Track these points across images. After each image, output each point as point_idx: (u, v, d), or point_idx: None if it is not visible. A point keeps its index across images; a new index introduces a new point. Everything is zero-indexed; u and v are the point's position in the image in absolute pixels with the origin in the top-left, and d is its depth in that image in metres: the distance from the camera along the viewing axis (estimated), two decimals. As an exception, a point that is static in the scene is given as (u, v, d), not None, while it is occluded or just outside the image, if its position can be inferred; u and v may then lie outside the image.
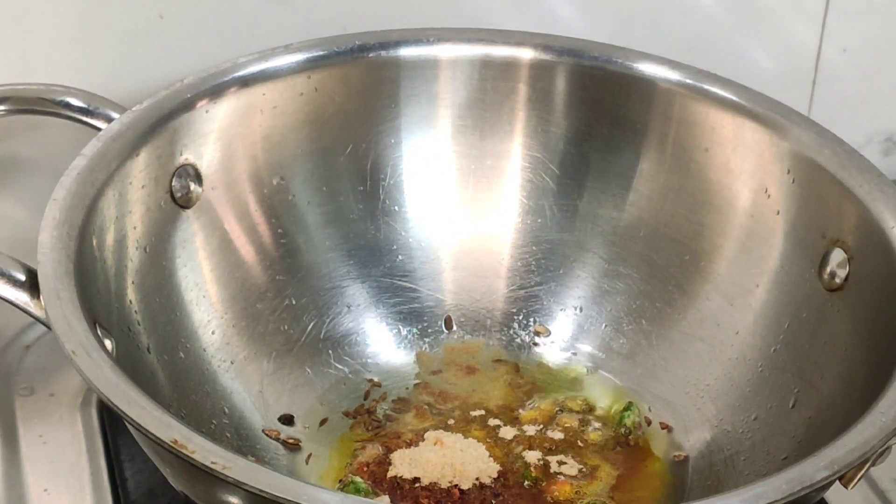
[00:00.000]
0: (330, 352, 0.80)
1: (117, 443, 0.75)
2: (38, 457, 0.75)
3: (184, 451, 0.56)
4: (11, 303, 0.64)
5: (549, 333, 0.82)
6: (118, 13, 0.81)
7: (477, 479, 0.72)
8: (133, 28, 0.82)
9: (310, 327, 0.80)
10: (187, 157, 0.75)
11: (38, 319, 0.64)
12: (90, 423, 0.76)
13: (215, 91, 0.76)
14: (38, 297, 0.63)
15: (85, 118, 0.76)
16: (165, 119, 0.73)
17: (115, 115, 0.75)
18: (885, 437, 0.60)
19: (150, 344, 0.70)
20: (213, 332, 0.76)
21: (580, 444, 0.76)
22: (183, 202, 0.75)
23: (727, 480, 0.73)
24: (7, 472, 0.74)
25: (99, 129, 0.73)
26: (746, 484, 0.59)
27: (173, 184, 0.74)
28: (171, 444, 0.56)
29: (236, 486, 0.55)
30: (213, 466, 0.55)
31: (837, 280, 0.73)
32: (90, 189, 0.68)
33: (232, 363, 0.76)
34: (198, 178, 0.76)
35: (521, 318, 0.82)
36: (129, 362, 0.62)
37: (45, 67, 0.81)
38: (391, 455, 0.73)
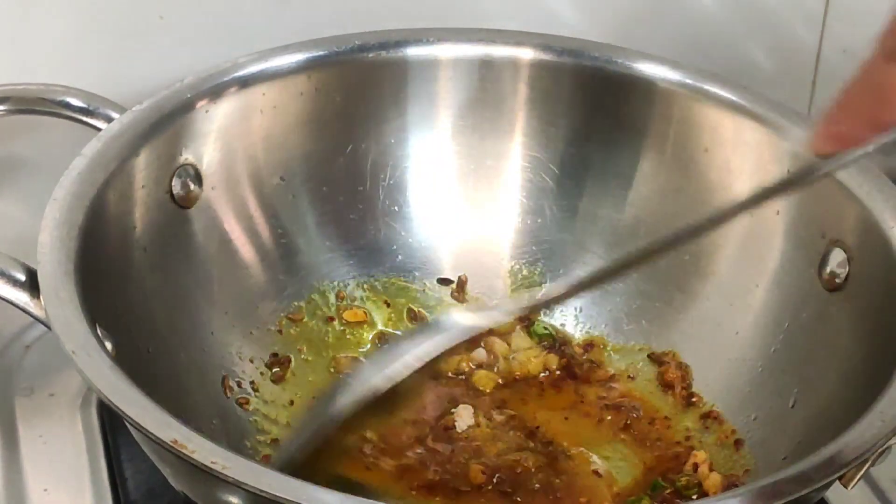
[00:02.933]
0: (331, 352, 0.80)
1: (117, 443, 0.75)
2: (38, 457, 0.75)
3: (184, 450, 0.56)
4: (11, 303, 0.64)
5: (549, 333, 0.82)
6: (118, 14, 0.81)
7: None
8: (133, 28, 0.82)
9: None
10: (187, 157, 0.75)
11: (38, 319, 0.64)
12: (90, 423, 0.76)
13: (215, 91, 0.76)
14: (38, 297, 0.63)
15: (85, 118, 0.76)
16: (165, 119, 0.73)
17: (115, 114, 0.75)
18: (884, 437, 0.60)
19: (150, 344, 0.70)
20: (212, 333, 0.75)
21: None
22: (182, 202, 0.75)
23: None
24: (7, 472, 0.74)
25: (99, 129, 0.73)
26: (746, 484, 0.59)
27: (173, 184, 0.74)
28: (171, 444, 0.56)
29: (236, 487, 0.55)
30: (213, 466, 0.55)
31: (837, 280, 0.73)
32: (90, 189, 0.68)
33: (232, 364, 0.76)
34: (198, 178, 0.76)
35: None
36: (130, 362, 0.61)
37: (45, 67, 0.81)
38: None
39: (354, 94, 0.80)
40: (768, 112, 0.77)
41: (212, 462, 0.55)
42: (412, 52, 0.80)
